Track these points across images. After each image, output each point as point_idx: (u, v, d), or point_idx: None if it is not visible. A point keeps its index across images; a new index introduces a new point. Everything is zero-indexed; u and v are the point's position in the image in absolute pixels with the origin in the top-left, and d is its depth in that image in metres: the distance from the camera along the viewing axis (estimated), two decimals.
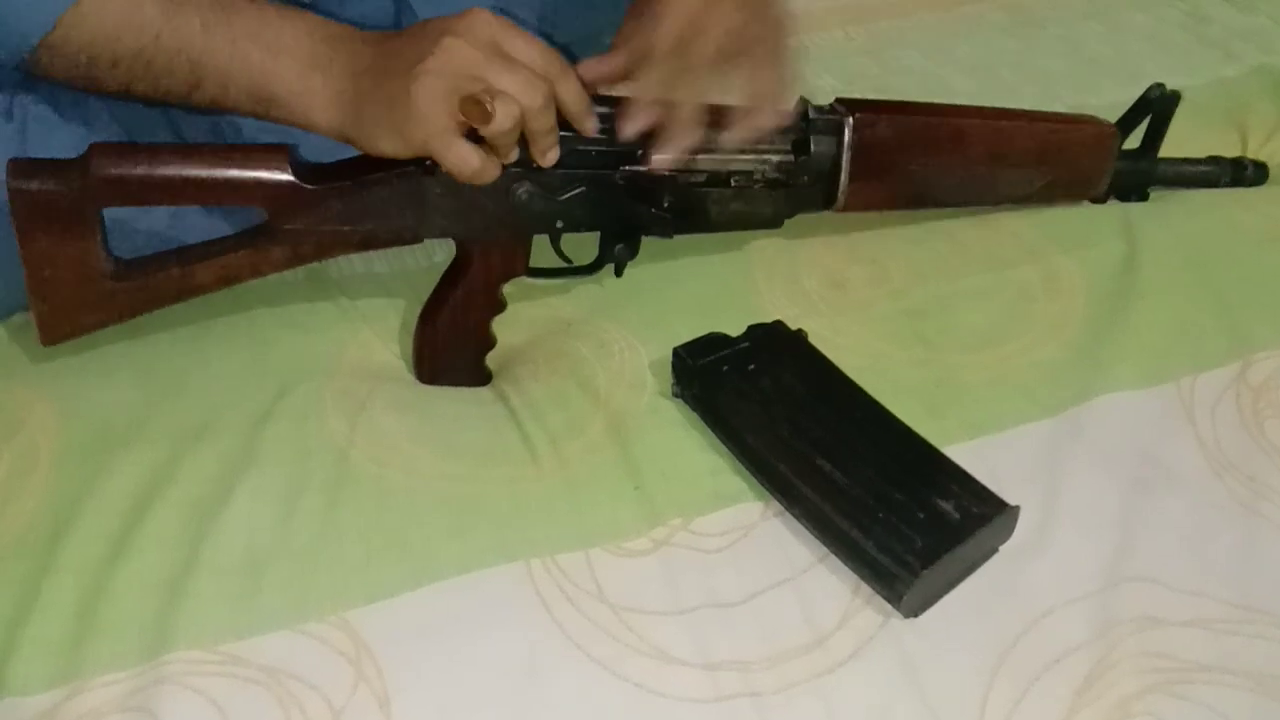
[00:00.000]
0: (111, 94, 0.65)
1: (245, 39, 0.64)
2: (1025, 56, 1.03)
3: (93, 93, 0.67)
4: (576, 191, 0.69)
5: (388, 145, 0.64)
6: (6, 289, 0.73)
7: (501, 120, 0.62)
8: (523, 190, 0.68)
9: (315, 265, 0.74)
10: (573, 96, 0.66)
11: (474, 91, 0.61)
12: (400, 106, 0.62)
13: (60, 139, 0.70)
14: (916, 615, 0.59)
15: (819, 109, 0.75)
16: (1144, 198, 0.85)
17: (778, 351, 0.70)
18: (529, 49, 0.64)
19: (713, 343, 0.69)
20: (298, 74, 0.64)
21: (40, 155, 0.65)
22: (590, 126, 0.68)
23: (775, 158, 0.73)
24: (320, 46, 0.65)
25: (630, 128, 0.68)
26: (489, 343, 0.74)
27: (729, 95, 0.69)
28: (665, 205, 0.71)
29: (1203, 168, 0.85)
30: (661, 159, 0.70)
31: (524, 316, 0.76)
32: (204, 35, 0.63)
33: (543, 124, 0.65)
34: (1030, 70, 1.01)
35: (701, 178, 0.72)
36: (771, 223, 0.76)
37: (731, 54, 0.68)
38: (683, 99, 0.68)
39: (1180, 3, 1.09)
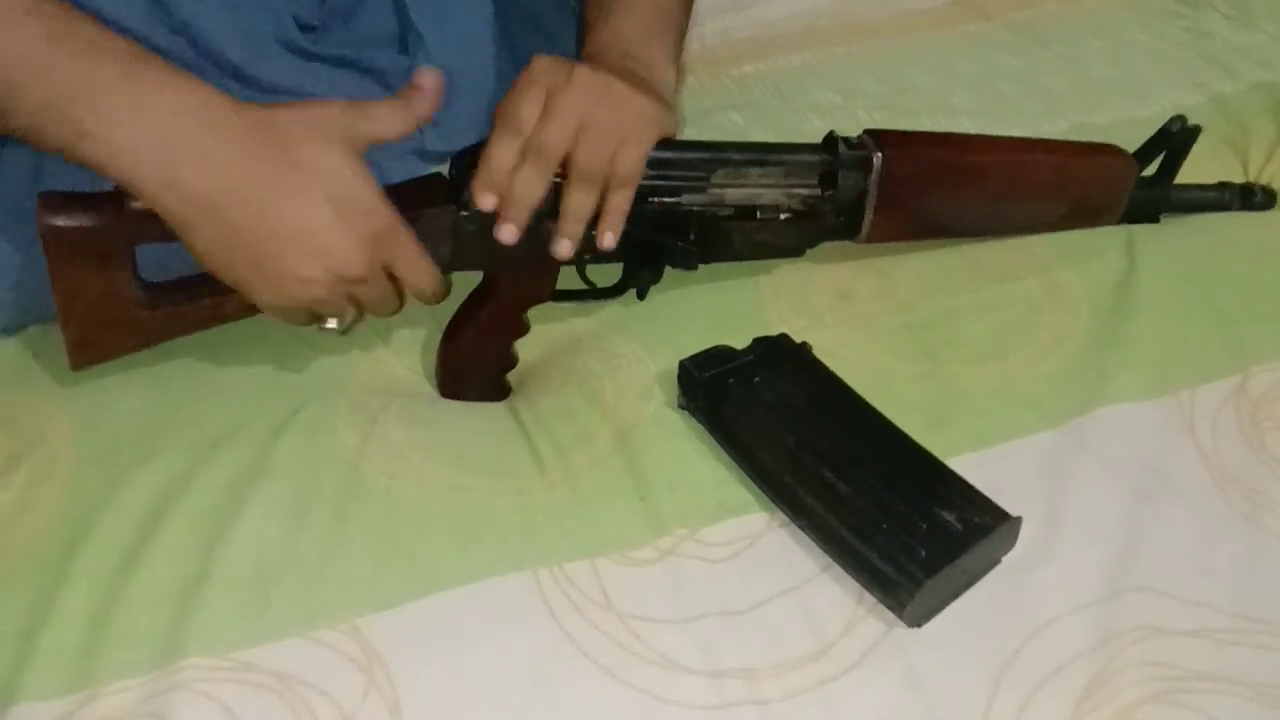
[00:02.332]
0: None
1: (67, 98, 0.57)
2: (1028, 74, 1.03)
3: None
4: None
5: (229, 280, 0.63)
6: (25, 302, 0.74)
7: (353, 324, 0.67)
8: (553, 225, 0.69)
9: None
10: (411, 274, 0.66)
11: (328, 313, 0.65)
12: (265, 279, 0.62)
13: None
14: (920, 625, 0.60)
15: (847, 142, 0.74)
16: (1154, 222, 0.85)
17: (782, 364, 0.70)
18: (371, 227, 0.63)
19: (718, 356, 0.70)
20: (124, 166, 0.59)
21: (59, 186, 0.64)
22: (429, 295, 0.67)
23: (802, 191, 0.74)
24: (172, 141, 0.58)
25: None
26: (511, 362, 0.76)
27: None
28: (691, 237, 0.72)
29: (1212, 194, 0.85)
30: (693, 198, 0.71)
31: (538, 333, 0.77)
32: (20, 66, 0.57)
33: (387, 309, 0.68)
34: (1033, 88, 1.02)
35: (729, 211, 0.73)
36: (794, 252, 0.77)
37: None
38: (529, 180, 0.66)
39: (1180, 19, 1.10)
